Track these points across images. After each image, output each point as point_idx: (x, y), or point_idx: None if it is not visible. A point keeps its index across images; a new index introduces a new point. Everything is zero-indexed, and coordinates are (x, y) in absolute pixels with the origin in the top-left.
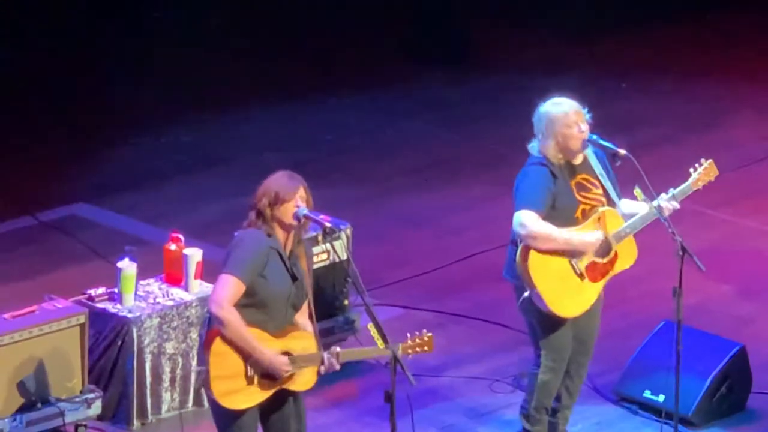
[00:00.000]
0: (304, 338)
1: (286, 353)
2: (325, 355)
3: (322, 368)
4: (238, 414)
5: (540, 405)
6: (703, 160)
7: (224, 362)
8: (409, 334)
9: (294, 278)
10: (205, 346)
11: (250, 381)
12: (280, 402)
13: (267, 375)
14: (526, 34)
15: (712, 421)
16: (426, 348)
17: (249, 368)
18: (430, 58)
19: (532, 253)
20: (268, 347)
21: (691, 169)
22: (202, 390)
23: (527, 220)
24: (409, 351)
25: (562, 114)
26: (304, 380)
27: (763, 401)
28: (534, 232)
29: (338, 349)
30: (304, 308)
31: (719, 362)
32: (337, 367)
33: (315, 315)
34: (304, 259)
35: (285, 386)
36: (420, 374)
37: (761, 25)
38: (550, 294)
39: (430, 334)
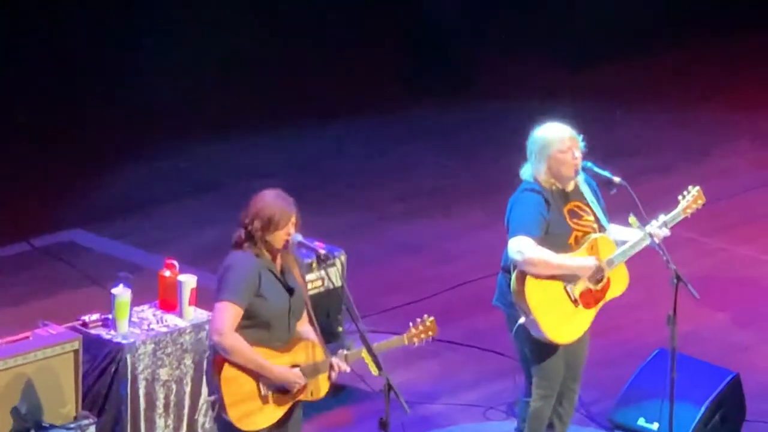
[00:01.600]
0: (309, 348)
1: (294, 367)
2: (334, 360)
3: (333, 374)
4: None
5: None
6: (690, 187)
7: (236, 387)
8: (411, 323)
9: (290, 291)
10: (214, 374)
11: (264, 400)
12: (282, 419)
13: (281, 390)
14: (523, 62)
15: None
16: (431, 333)
17: (262, 387)
18: (427, 85)
19: (529, 279)
20: (276, 363)
21: (680, 197)
22: (199, 417)
23: (524, 247)
24: (415, 339)
25: (557, 139)
26: (317, 388)
27: (756, 430)
28: (531, 258)
29: (345, 351)
30: (304, 316)
31: (713, 390)
32: (348, 369)
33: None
34: (294, 267)
35: (301, 398)
36: (414, 401)
37: (758, 53)
38: (546, 320)
39: (431, 318)
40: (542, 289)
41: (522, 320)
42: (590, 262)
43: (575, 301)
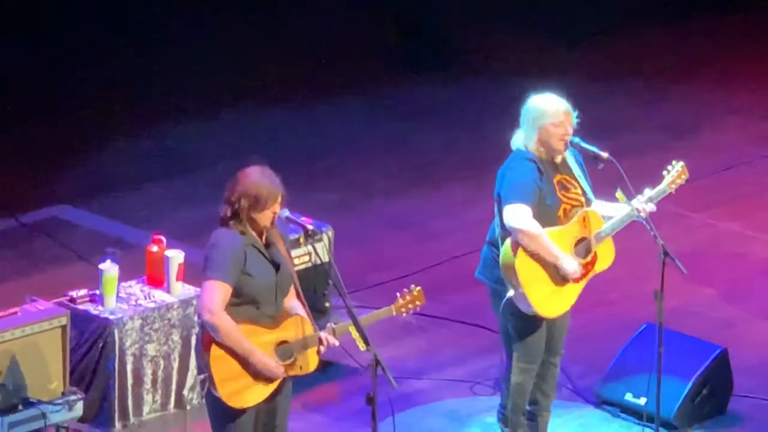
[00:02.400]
0: (298, 323)
1: (283, 342)
2: (322, 334)
3: (322, 348)
4: (239, 413)
5: (516, 407)
6: (674, 162)
7: (225, 364)
8: (398, 293)
9: (277, 267)
10: (203, 352)
11: (254, 377)
12: (272, 394)
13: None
14: (510, 38)
15: (693, 423)
16: (418, 302)
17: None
18: (414, 63)
19: (520, 252)
20: (265, 339)
21: (665, 172)
22: (187, 392)
23: (521, 216)
24: (403, 310)
25: (553, 111)
26: (306, 363)
27: (744, 404)
28: (528, 229)
29: (333, 325)
30: (291, 291)
31: (701, 365)
32: (336, 343)
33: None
34: (279, 241)
35: (291, 373)
36: (401, 377)
37: (745, 30)
38: (534, 294)
39: (419, 288)
40: (532, 262)
41: (510, 293)
42: (576, 267)
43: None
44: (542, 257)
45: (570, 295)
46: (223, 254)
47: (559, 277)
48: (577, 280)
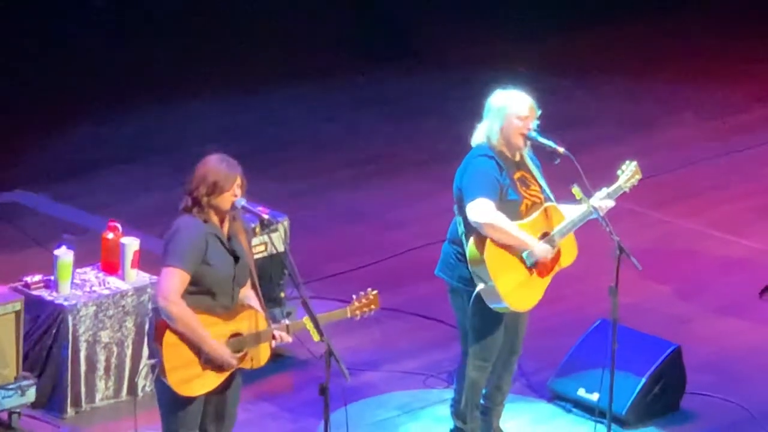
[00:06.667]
0: (252, 317)
1: (236, 334)
2: (275, 330)
3: (274, 342)
4: (188, 401)
5: (470, 402)
6: (628, 162)
7: (177, 352)
8: (354, 295)
9: (236, 259)
10: (156, 338)
11: (204, 367)
12: (223, 384)
13: (216, 365)
14: (473, 30)
15: (646, 420)
16: (373, 306)
17: (202, 354)
18: (376, 52)
19: (489, 245)
20: (218, 331)
21: (619, 172)
22: (140, 380)
23: (484, 209)
24: (357, 312)
25: (518, 105)
26: (258, 357)
27: (696, 402)
28: (493, 222)
29: (287, 321)
30: (247, 282)
31: (654, 362)
32: (289, 339)
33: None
34: (242, 234)
35: (241, 366)
36: (355, 368)
37: (705, 27)
38: (505, 286)
39: (375, 292)
40: (501, 254)
41: (480, 287)
42: (548, 250)
43: (530, 269)
44: (512, 246)
45: (537, 289)
46: (184, 242)
47: (526, 269)
48: (544, 272)
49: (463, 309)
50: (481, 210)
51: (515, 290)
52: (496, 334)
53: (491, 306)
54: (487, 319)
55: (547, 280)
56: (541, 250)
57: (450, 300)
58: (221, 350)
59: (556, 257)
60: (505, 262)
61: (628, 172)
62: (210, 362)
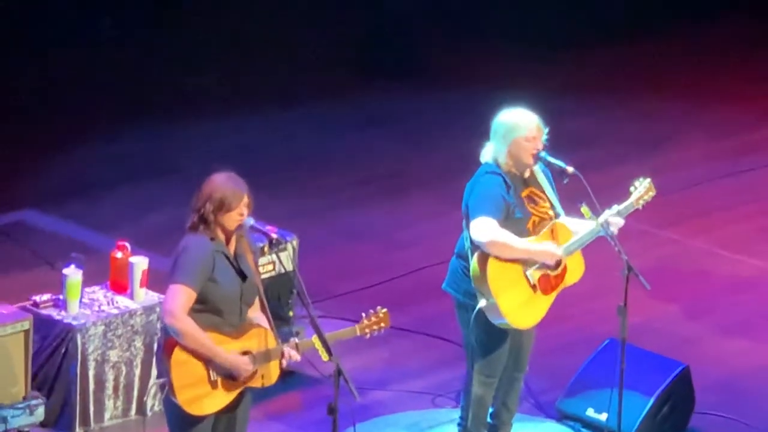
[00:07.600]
0: (261, 335)
1: (245, 353)
2: (285, 348)
3: (284, 361)
4: (197, 420)
5: (476, 420)
6: (642, 179)
7: (186, 370)
8: (363, 314)
9: (243, 277)
10: (165, 357)
11: (214, 385)
12: (232, 403)
13: (230, 376)
14: (480, 49)
15: None
16: (383, 324)
17: (212, 372)
18: (384, 71)
19: (491, 262)
20: (227, 349)
21: (632, 188)
22: (148, 399)
23: (487, 227)
24: (367, 330)
25: (525, 126)
26: (269, 375)
27: (705, 421)
28: (495, 239)
29: (296, 340)
30: (256, 303)
31: (663, 382)
32: (298, 358)
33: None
34: (249, 254)
35: (250, 384)
36: (363, 388)
37: (714, 47)
38: (506, 304)
39: (384, 310)
40: (503, 272)
41: (482, 304)
42: (552, 248)
43: (534, 286)
44: (516, 262)
45: (540, 306)
46: (192, 259)
47: (529, 287)
48: (548, 290)
49: (469, 324)
50: (483, 228)
51: (517, 308)
52: (501, 350)
53: (494, 322)
54: (491, 335)
55: (551, 297)
56: (547, 247)
57: (456, 315)
58: (234, 359)
59: (561, 274)
60: (507, 279)
61: (641, 189)
62: (222, 375)
